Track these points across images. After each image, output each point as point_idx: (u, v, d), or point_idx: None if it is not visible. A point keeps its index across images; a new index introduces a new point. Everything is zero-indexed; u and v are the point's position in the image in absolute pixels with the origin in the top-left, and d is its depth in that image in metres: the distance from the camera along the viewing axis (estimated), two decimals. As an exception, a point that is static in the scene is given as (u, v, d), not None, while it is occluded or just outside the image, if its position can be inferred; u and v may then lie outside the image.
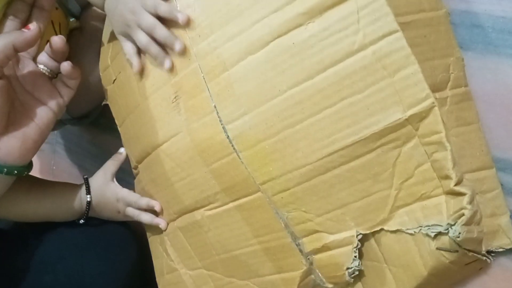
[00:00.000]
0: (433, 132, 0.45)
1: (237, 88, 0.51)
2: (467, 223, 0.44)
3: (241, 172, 0.53)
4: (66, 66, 0.58)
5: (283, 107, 0.48)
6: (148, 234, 0.71)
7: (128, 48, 0.58)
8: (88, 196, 0.70)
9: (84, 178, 0.71)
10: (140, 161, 0.65)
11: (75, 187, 0.72)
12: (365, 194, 0.49)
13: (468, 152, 0.51)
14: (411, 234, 0.48)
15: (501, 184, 0.52)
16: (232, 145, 0.52)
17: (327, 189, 0.50)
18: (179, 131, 0.56)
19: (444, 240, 0.45)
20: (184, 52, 0.53)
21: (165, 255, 0.66)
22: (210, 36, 0.51)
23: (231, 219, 0.56)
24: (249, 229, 0.56)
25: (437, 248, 0.46)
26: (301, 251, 0.54)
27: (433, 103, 0.44)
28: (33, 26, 0.54)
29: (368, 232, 0.50)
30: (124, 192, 0.69)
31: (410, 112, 0.44)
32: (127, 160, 0.71)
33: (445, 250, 0.46)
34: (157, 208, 0.64)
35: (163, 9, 0.53)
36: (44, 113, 0.59)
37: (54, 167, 1.11)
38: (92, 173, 0.72)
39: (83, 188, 0.70)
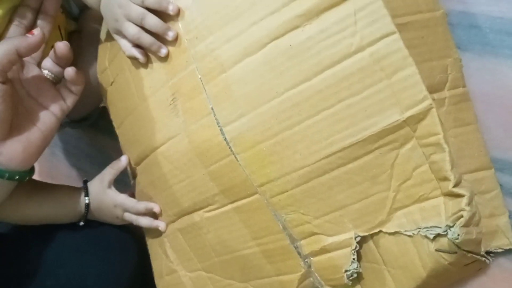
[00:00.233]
0: (431, 133, 0.45)
1: (235, 90, 0.50)
2: (466, 225, 0.44)
3: (239, 174, 0.53)
4: (70, 72, 0.58)
5: (281, 109, 0.48)
6: (147, 236, 0.71)
7: (125, 44, 0.58)
8: (87, 198, 0.70)
9: (83, 181, 0.71)
10: (139, 163, 0.65)
11: (75, 190, 0.72)
12: (363, 196, 0.49)
13: (467, 152, 0.51)
14: (409, 236, 0.48)
15: (500, 185, 0.52)
16: (230, 147, 0.52)
17: (325, 191, 0.50)
18: (177, 133, 0.56)
19: (443, 242, 0.45)
20: (177, 39, 0.53)
21: (164, 256, 0.66)
22: (207, 38, 0.51)
23: (229, 221, 0.56)
24: (248, 231, 0.55)
25: (436, 250, 0.46)
26: (299, 253, 0.54)
27: (431, 104, 0.44)
28: (37, 31, 0.54)
29: (366, 234, 0.50)
30: (122, 198, 0.68)
31: (408, 113, 0.44)
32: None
33: (444, 252, 0.46)
34: (156, 209, 0.64)
35: (151, 0, 0.52)
36: (47, 119, 0.59)
37: (52, 169, 1.11)
38: (90, 175, 0.72)
39: (83, 191, 0.70)
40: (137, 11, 0.53)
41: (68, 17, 0.75)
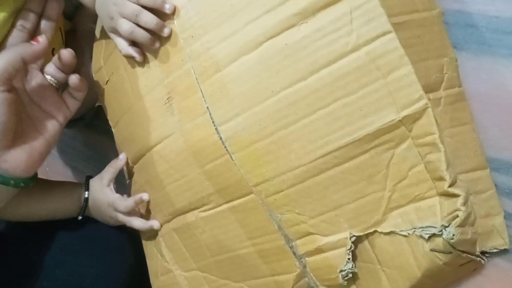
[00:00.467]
0: (426, 133, 0.44)
1: (230, 89, 0.50)
2: (461, 225, 0.44)
3: (234, 174, 0.53)
4: (74, 79, 0.59)
5: (277, 108, 0.48)
6: (142, 236, 0.71)
7: (121, 42, 0.57)
8: (86, 193, 0.71)
9: (86, 177, 0.73)
10: (135, 163, 0.65)
11: (76, 185, 0.73)
12: (359, 195, 0.49)
13: (463, 152, 0.51)
14: (405, 236, 0.47)
15: (495, 185, 0.52)
16: (225, 147, 0.52)
17: (320, 191, 0.50)
18: (172, 133, 0.56)
19: (438, 242, 0.45)
20: (172, 37, 0.53)
21: (160, 256, 0.66)
22: (203, 37, 0.51)
23: (225, 220, 0.56)
24: (243, 231, 0.55)
25: (431, 250, 0.46)
26: (294, 253, 0.54)
27: (427, 104, 0.44)
28: (41, 38, 0.54)
29: (361, 234, 0.50)
30: (114, 197, 0.68)
31: (404, 113, 0.44)
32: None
33: (439, 252, 0.46)
34: (145, 197, 0.64)
35: None
36: (50, 125, 0.59)
37: (48, 169, 1.11)
38: (86, 174, 0.72)
39: (83, 186, 0.71)
40: (132, 7, 0.53)
41: (64, 17, 0.75)
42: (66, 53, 0.58)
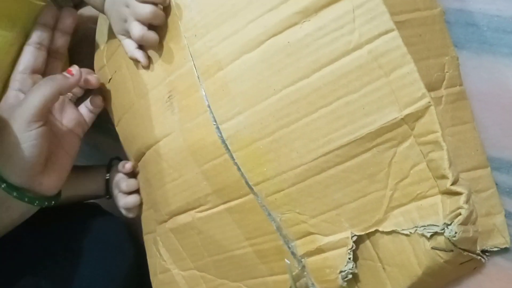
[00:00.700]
0: (429, 131, 0.44)
1: (232, 88, 0.50)
2: (464, 223, 0.44)
3: (232, 174, 0.52)
4: (97, 101, 0.63)
5: (279, 107, 0.48)
6: (143, 233, 0.71)
7: (129, 45, 0.57)
8: (107, 174, 0.73)
9: (110, 159, 0.75)
10: (138, 160, 0.65)
11: (100, 167, 0.75)
12: (361, 194, 0.48)
13: (463, 151, 0.51)
14: (406, 235, 0.47)
15: (496, 184, 0.52)
16: (226, 146, 0.52)
17: (322, 190, 0.49)
18: (172, 131, 0.56)
19: (439, 240, 0.45)
20: (174, 35, 0.53)
21: (158, 254, 0.66)
22: (205, 36, 0.51)
23: (222, 221, 0.56)
24: (241, 231, 0.55)
25: (432, 248, 0.46)
26: (293, 253, 0.53)
27: (429, 102, 0.44)
28: (75, 70, 0.56)
29: (363, 233, 0.50)
30: (119, 176, 0.70)
31: (406, 111, 0.44)
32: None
33: (440, 250, 0.46)
34: (127, 166, 0.66)
35: None
36: (73, 141, 0.62)
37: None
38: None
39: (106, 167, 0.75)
40: (145, 7, 0.53)
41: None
42: (94, 81, 0.61)
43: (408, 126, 0.45)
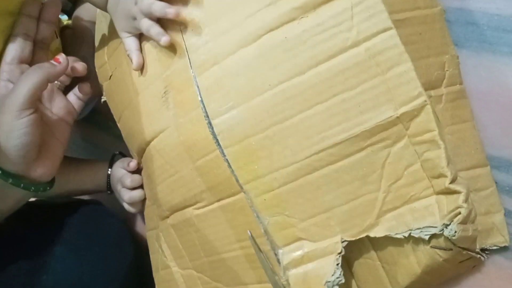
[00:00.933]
0: (425, 130, 0.44)
1: (227, 82, 0.50)
2: (463, 222, 0.44)
3: (223, 171, 0.52)
4: (85, 88, 0.64)
5: (274, 102, 0.48)
6: (146, 229, 0.71)
7: (130, 43, 0.58)
8: (109, 169, 0.76)
9: (112, 155, 0.77)
10: (141, 156, 0.65)
11: (103, 162, 0.77)
12: (352, 196, 0.48)
13: (463, 150, 0.51)
14: (400, 239, 0.47)
15: (495, 182, 0.52)
16: (217, 141, 0.51)
17: (313, 191, 0.49)
18: (167, 127, 0.56)
19: (439, 239, 0.45)
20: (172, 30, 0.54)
21: (160, 251, 0.66)
22: (203, 31, 0.51)
23: (216, 220, 0.56)
24: (233, 232, 0.55)
25: (431, 246, 0.46)
26: (279, 261, 0.52)
27: (425, 101, 0.44)
28: (62, 58, 0.56)
29: (353, 239, 0.49)
30: (123, 172, 0.71)
31: (402, 110, 0.44)
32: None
33: (439, 249, 0.46)
34: (132, 164, 0.68)
35: None
36: (63, 128, 0.62)
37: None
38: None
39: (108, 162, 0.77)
40: (147, 1, 0.53)
41: (63, 12, 0.75)
42: (81, 68, 0.61)
43: (403, 125, 0.45)
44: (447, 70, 0.51)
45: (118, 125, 0.68)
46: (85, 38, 0.73)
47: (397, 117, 0.44)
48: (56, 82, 0.62)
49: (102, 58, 0.66)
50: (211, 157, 0.52)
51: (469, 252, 0.47)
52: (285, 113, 0.48)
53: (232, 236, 0.55)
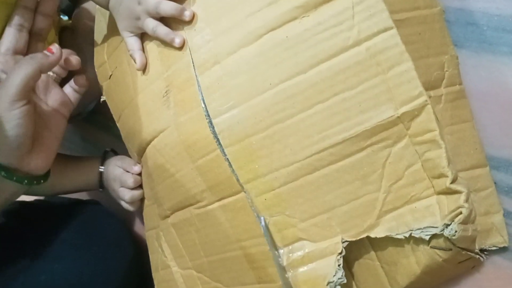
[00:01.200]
0: (425, 130, 0.44)
1: (228, 81, 0.50)
2: (464, 222, 0.44)
3: (224, 170, 0.52)
4: (81, 80, 0.63)
5: (274, 101, 0.48)
6: (145, 229, 0.71)
7: (133, 43, 0.58)
8: (101, 167, 0.75)
9: (104, 151, 0.76)
10: (141, 156, 0.65)
11: (93, 159, 0.76)
12: (353, 197, 0.48)
13: (462, 150, 0.51)
14: (399, 239, 0.47)
15: (495, 182, 0.52)
16: (218, 140, 0.51)
17: (313, 191, 0.49)
18: (167, 126, 0.56)
19: (439, 239, 0.45)
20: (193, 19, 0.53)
21: (160, 250, 0.66)
22: (204, 30, 0.51)
23: (216, 219, 0.55)
24: (233, 232, 0.54)
25: (431, 247, 0.46)
26: (279, 262, 0.52)
27: (426, 101, 0.44)
28: (55, 49, 0.56)
29: (353, 239, 0.48)
30: (120, 171, 0.71)
31: (403, 109, 0.44)
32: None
33: (439, 249, 0.45)
34: (136, 169, 0.67)
35: None
36: (59, 121, 0.61)
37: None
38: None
39: (99, 159, 0.76)
40: (153, 1, 0.53)
41: (62, 12, 0.75)
42: (74, 62, 0.61)
43: (404, 125, 0.45)
44: (446, 70, 0.51)
45: (117, 124, 0.68)
46: (86, 40, 0.73)
47: (398, 117, 0.44)
48: (52, 74, 0.61)
49: (101, 58, 0.66)
50: (212, 156, 0.52)
51: (468, 253, 0.47)
52: (286, 112, 0.48)
53: (232, 236, 0.54)
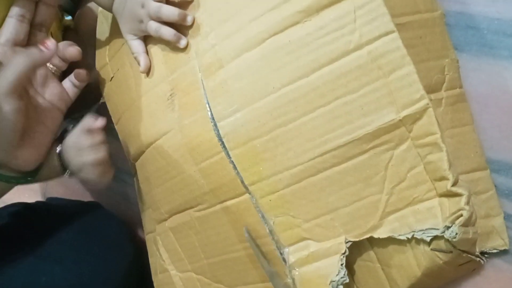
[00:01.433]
0: (427, 133, 0.44)
1: (231, 85, 0.50)
2: (465, 224, 0.44)
3: (228, 173, 0.52)
4: (82, 75, 0.61)
5: (277, 105, 0.48)
6: (145, 233, 0.71)
7: (137, 46, 0.58)
8: (58, 147, 0.61)
9: (64, 129, 0.64)
10: (137, 159, 0.65)
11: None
12: (356, 198, 0.48)
13: (463, 153, 0.51)
14: (400, 241, 0.47)
15: (495, 186, 0.52)
16: (222, 143, 0.52)
17: (317, 192, 0.49)
18: (171, 129, 0.56)
19: (439, 241, 0.45)
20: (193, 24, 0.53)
21: (158, 254, 0.66)
22: (209, 34, 0.52)
23: (218, 221, 0.56)
24: (235, 233, 0.55)
25: (431, 249, 0.46)
26: (285, 260, 0.53)
27: (428, 104, 0.44)
28: (51, 43, 0.54)
29: (357, 239, 0.49)
30: (73, 137, 0.61)
31: (404, 112, 0.44)
32: (125, 159, 0.70)
33: (439, 251, 0.46)
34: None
35: None
36: (54, 115, 0.60)
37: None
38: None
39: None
40: (155, 4, 0.53)
41: (65, 11, 0.75)
42: (75, 52, 0.59)
43: (406, 128, 0.45)
44: (447, 74, 0.51)
45: (116, 127, 0.67)
46: (89, 42, 0.72)
47: (400, 120, 0.45)
48: (52, 66, 0.60)
49: (103, 59, 0.66)
50: (216, 159, 0.53)
51: (469, 255, 0.47)
52: (288, 116, 0.48)
53: (235, 237, 0.55)
